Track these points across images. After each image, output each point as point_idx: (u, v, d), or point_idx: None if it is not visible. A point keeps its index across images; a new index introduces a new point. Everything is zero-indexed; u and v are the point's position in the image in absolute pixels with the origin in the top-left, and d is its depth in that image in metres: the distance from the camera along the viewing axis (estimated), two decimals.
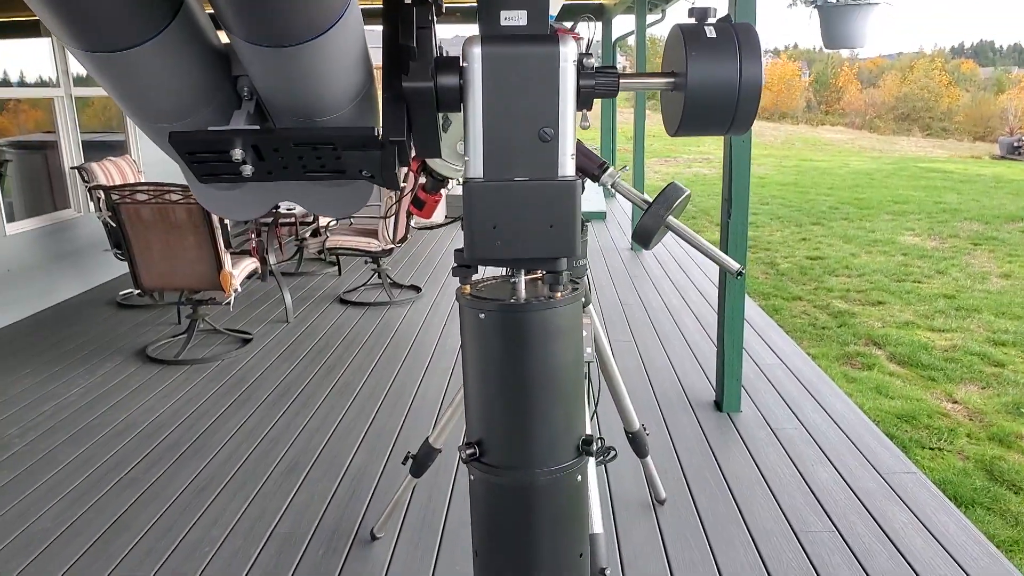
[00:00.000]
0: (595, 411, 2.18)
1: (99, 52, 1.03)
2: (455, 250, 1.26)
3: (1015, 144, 25.48)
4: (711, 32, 1.15)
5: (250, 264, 4.74)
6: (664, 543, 2.70)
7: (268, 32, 1.02)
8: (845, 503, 2.97)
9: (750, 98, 1.14)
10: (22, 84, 6.22)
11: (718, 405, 3.85)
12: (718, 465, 3.26)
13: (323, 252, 5.99)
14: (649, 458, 2.85)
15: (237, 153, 1.07)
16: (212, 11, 1.09)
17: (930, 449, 4.43)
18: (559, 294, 1.22)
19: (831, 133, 35.05)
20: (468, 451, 1.25)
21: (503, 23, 1.13)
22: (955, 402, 5.14)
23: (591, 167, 2.15)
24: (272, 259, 5.07)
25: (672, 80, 1.19)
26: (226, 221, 4.22)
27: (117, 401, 3.94)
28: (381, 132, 1.12)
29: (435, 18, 1.15)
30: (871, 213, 12.86)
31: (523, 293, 1.24)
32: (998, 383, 5.46)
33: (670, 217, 2.01)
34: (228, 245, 4.28)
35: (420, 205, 2.22)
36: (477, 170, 1.15)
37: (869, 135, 34.99)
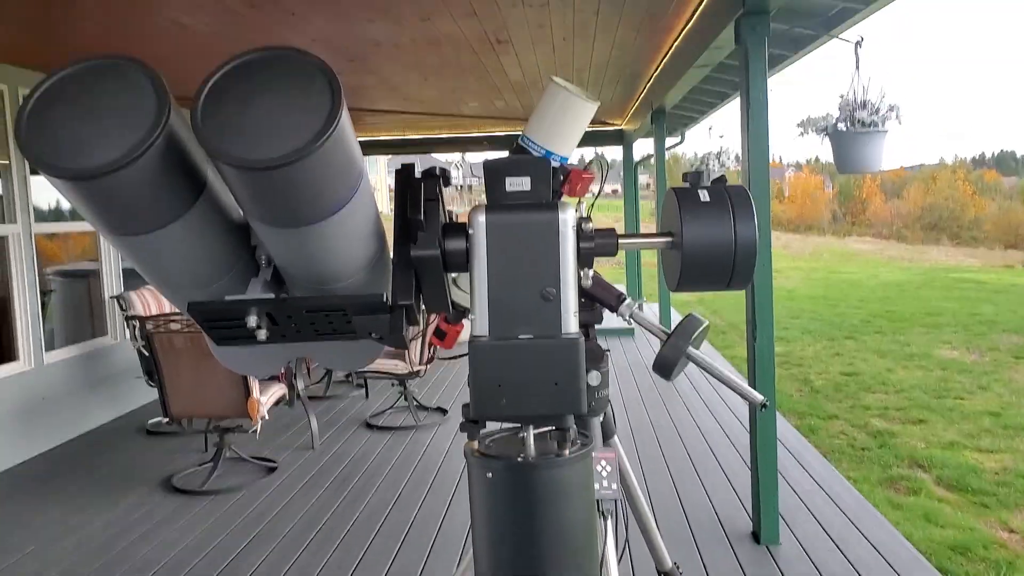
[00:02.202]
0: (622, 554, 2.09)
1: (127, 236, 1.09)
2: (463, 405, 1.27)
3: None
4: (704, 196, 1.21)
5: (278, 390, 4.76)
6: None
7: (280, 216, 1.08)
8: None
9: (746, 257, 1.19)
10: (74, 214, 6.52)
11: (756, 537, 3.69)
12: None
13: (351, 375, 6.01)
14: None
15: (252, 320, 1.13)
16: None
17: None
18: (567, 451, 1.21)
19: (859, 244, 35.13)
20: None
21: (508, 188, 1.20)
22: (1011, 531, 4.87)
23: (609, 299, 2.17)
24: (300, 384, 5.09)
25: (670, 240, 1.25)
26: None
27: (139, 535, 3.89)
28: (389, 296, 1.17)
29: (442, 189, 1.23)
30: (904, 326, 12.68)
31: (532, 450, 1.24)
32: None
33: (690, 348, 2.00)
34: None
35: (442, 336, 2.24)
36: (483, 329, 1.18)
37: (897, 244, 35.00)
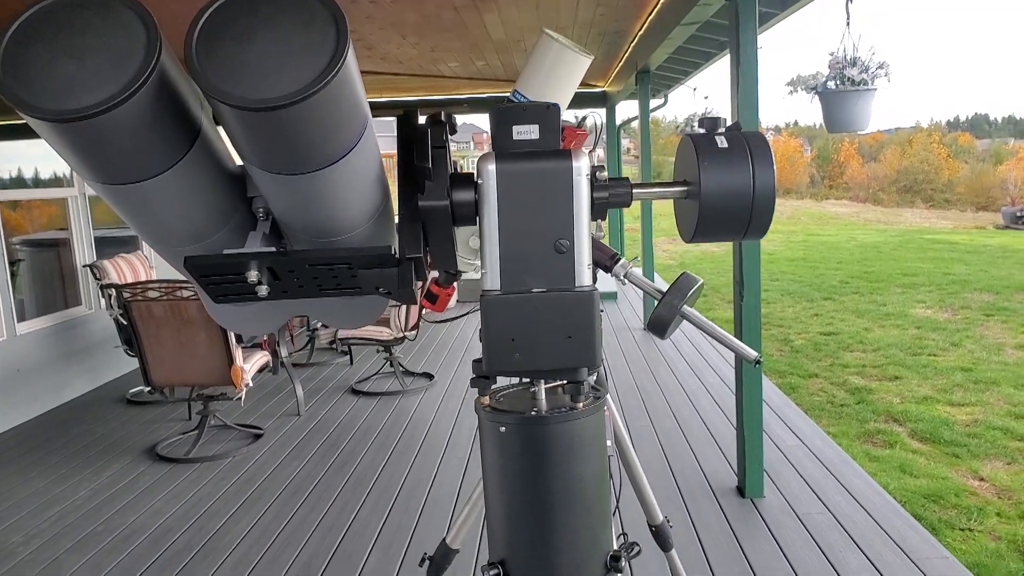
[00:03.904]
0: (616, 507, 2.11)
1: (116, 185, 1.03)
2: (473, 361, 1.24)
3: (1018, 214, 25.65)
4: (722, 142, 1.16)
5: (262, 358, 4.72)
6: None
7: (282, 162, 1.03)
8: None
9: (765, 205, 1.15)
10: (37, 183, 6.36)
11: (741, 491, 3.75)
12: (744, 556, 3.14)
13: (335, 342, 5.98)
14: (674, 551, 2.74)
15: (252, 275, 1.08)
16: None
17: (960, 530, 4.28)
18: (581, 404, 1.19)
19: (836, 207, 35.39)
20: (491, 572, 1.20)
21: (516, 137, 1.15)
22: (982, 479, 4.99)
23: (603, 259, 2.16)
24: (283, 351, 5.05)
25: (685, 189, 1.21)
26: None
27: (125, 504, 3.87)
28: (397, 249, 1.13)
29: (448, 136, 1.18)
30: (881, 287, 12.85)
31: (544, 404, 1.22)
32: None
33: (684, 307, 2.00)
34: (240, 340, 4.28)
35: (433, 299, 2.22)
36: (494, 283, 1.15)
37: (874, 208, 35.34)
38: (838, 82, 3.47)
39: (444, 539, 2.41)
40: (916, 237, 21.77)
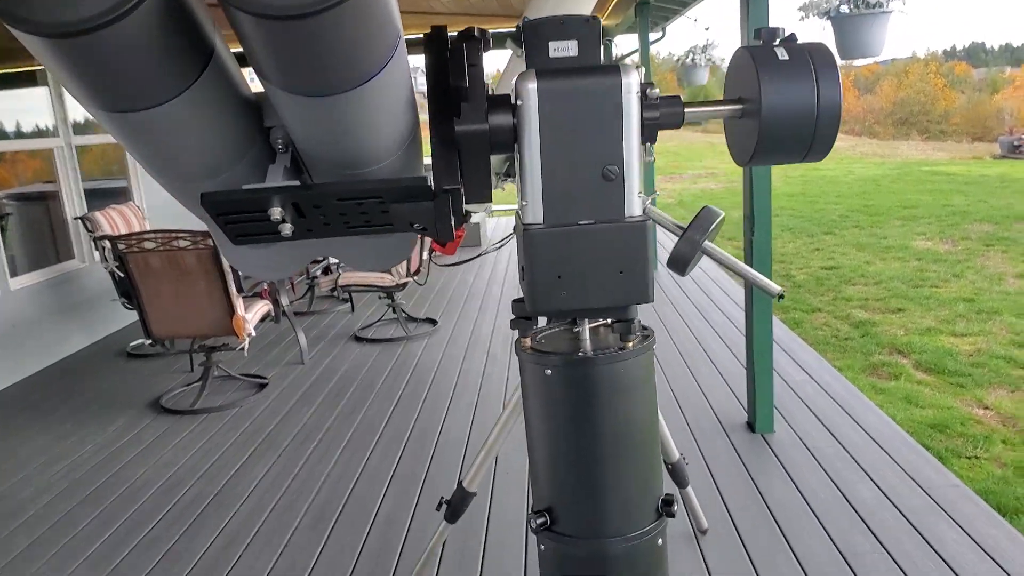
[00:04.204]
0: None
1: (122, 112, 0.94)
2: (513, 301, 1.17)
3: (1015, 143, 25.42)
4: (783, 54, 1.05)
5: (263, 307, 4.66)
6: (710, 575, 2.59)
7: (309, 82, 0.93)
8: (891, 522, 2.85)
9: (830, 122, 1.05)
10: (20, 135, 6.19)
11: (751, 427, 3.74)
12: (758, 490, 3.14)
13: (336, 289, 5.91)
14: (690, 488, 2.74)
15: (276, 212, 0.98)
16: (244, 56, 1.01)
17: (967, 458, 4.30)
18: (631, 343, 1.13)
19: None
20: (538, 520, 1.15)
21: (553, 54, 1.05)
22: (986, 407, 5.01)
23: None
24: (284, 300, 4.99)
25: (740, 107, 1.10)
26: None
27: (133, 456, 3.85)
28: (432, 180, 1.03)
29: (483, 53, 1.07)
30: (881, 220, 12.77)
31: (589, 344, 1.15)
32: None
33: (706, 242, 1.94)
34: (240, 289, 4.21)
35: (443, 243, 2.15)
36: (536, 215, 1.06)
37: (870, 141, 35.02)
38: (852, 5, 3.33)
39: (460, 482, 2.39)
40: (914, 169, 21.60)
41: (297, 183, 1.03)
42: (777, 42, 1.08)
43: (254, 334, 4.45)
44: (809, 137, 1.06)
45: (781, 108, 1.04)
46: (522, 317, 1.17)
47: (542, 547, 1.19)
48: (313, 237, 1.06)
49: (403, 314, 5.84)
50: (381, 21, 0.90)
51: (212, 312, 4.27)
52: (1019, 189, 15.85)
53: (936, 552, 2.66)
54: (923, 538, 2.74)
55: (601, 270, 1.06)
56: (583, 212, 1.06)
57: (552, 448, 1.16)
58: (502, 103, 1.05)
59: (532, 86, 1.02)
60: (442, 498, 2.41)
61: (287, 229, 1.01)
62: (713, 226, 1.96)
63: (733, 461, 3.41)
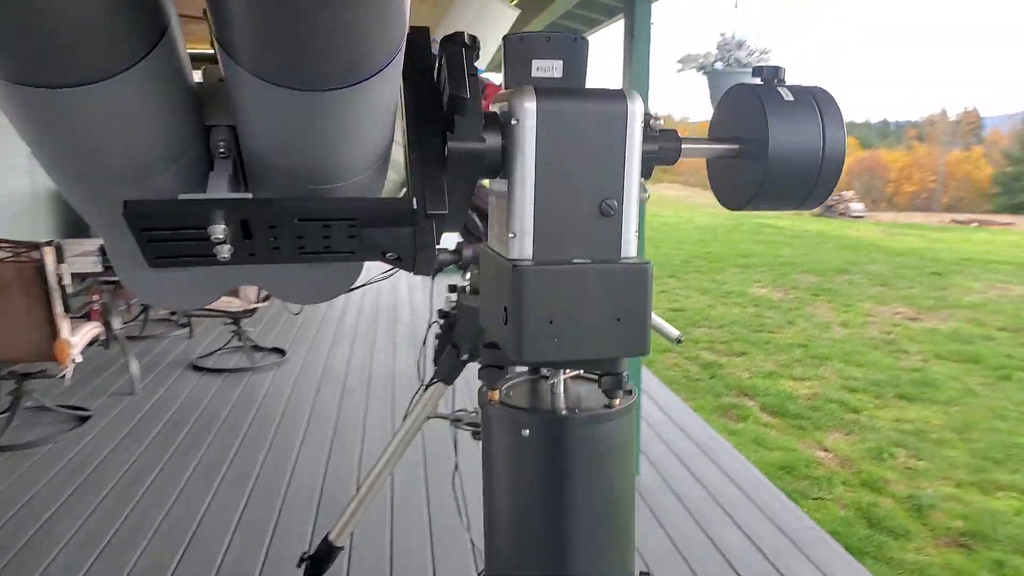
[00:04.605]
0: None
1: (44, 88, 0.71)
2: (484, 345, 1.02)
3: (829, 204, 28.10)
4: (787, 95, 0.99)
5: (92, 329, 4.14)
6: None
7: (302, 70, 0.73)
8: (758, 567, 2.89)
9: (833, 168, 0.99)
10: None
11: None
12: None
13: (174, 312, 5.41)
14: None
15: (218, 230, 0.77)
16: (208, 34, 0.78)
17: (813, 499, 4.49)
18: (618, 401, 1.00)
19: (669, 190, 37.23)
20: None
21: (535, 74, 0.93)
22: (826, 450, 5.30)
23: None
24: (117, 323, 4.48)
25: (737, 147, 1.03)
26: (65, 280, 3.65)
27: None
28: (416, 203, 0.87)
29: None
30: (720, 266, 13.55)
31: (567, 400, 1.02)
32: (859, 429, 5.72)
33: None
34: (67, 309, 3.71)
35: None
36: (524, 250, 0.92)
37: (703, 191, 37.47)
38: (726, 63, 3.44)
39: (327, 536, 2.15)
40: (747, 221, 23.24)
41: (249, 196, 0.81)
42: (776, 82, 1.01)
43: (79, 359, 3.93)
44: (812, 181, 1.00)
45: (788, 150, 0.97)
46: (494, 366, 1.02)
47: None
48: (255, 263, 0.84)
49: (249, 342, 5.42)
50: (397, 6, 0.75)
51: (31, 334, 3.72)
52: (836, 244, 17.42)
53: None
54: None
55: (597, 316, 0.94)
56: (577, 249, 0.94)
57: (520, 517, 1.01)
58: (491, 121, 0.91)
59: (531, 105, 0.89)
60: (303, 553, 2.16)
61: (225, 252, 0.79)
62: None
63: None
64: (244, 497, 3.32)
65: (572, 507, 0.98)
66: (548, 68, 0.94)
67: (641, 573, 1.06)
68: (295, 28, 0.68)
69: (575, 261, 0.93)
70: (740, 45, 3.46)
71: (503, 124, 0.91)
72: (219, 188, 0.85)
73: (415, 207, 0.83)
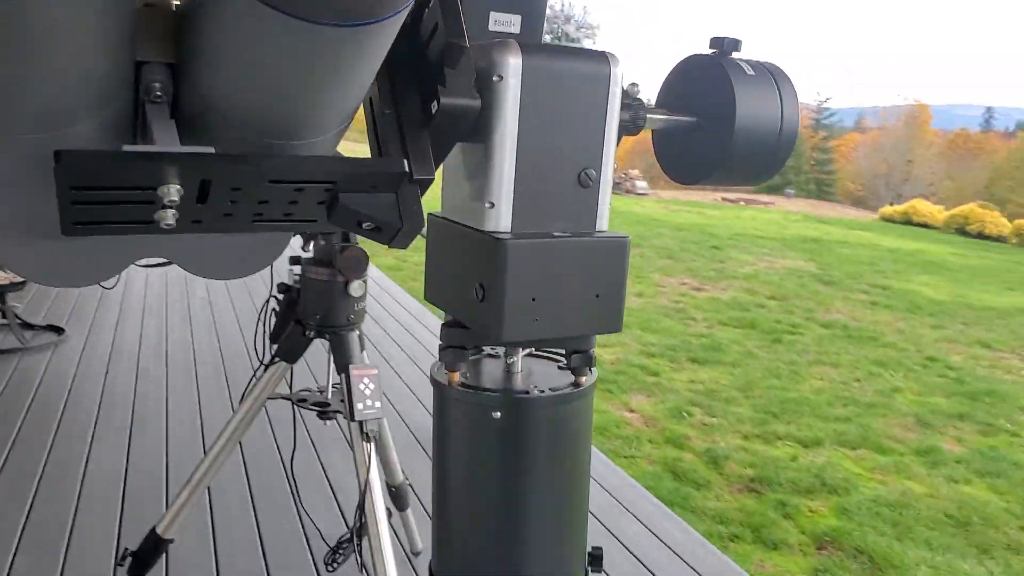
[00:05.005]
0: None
1: None
2: (443, 325, 0.94)
3: (616, 180, 29.89)
4: (748, 68, 0.97)
5: None
6: None
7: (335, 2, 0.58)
8: (589, 524, 2.99)
9: (788, 144, 0.99)
10: None
11: None
12: None
13: None
14: (409, 510, 2.57)
15: (172, 191, 0.61)
16: None
17: (625, 458, 4.75)
18: (584, 379, 0.97)
19: None
20: None
21: (492, 27, 0.86)
22: (632, 411, 5.63)
23: None
24: None
25: (695, 119, 1.00)
26: None
27: None
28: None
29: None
30: None
31: (523, 378, 0.99)
32: (659, 391, 6.13)
33: None
34: None
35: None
36: (502, 222, 0.85)
37: None
38: (555, 36, 3.48)
39: (154, 528, 1.92)
40: None
41: (212, 151, 0.63)
42: (737, 55, 0.99)
43: None
44: (769, 157, 0.98)
45: (752, 125, 0.95)
46: (456, 346, 0.93)
47: None
48: (198, 231, 0.67)
49: (16, 319, 4.75)
50: None
51: None
52: (624, 220, 18.53)
53: (625, 547, 2.85)
54: (613, 535, 2.91)
55: (578, 292, 0.89)
56: (556, 222, 0.88)
57: (480, 499, 0.95)
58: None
59: (516, 61, 0.80)
60: (126, 549, 1.92)
61: (169, 217, 0.63)
62: None
63: (429, 473, 3.31)
64: (30, 496, 2.89)
65: (543, 485, 0.94)
66: (507, 23, 0.87)
67: (592, 548, 1.03)
68: None
69: (555, 234, 0.87)
70: (568, 19, 3.51)
71: (482, 81, 0.81)
72: (169, 140, 0.67)
73: (409, 170, 0.72)
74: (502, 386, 0.97)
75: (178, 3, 0.70)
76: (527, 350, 1.03)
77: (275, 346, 2.05)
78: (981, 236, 23.37)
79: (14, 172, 0.69)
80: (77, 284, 1.04)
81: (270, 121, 0.73)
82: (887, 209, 29.15)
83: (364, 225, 0.71)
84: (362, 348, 1.98)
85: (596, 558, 1.04)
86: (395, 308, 6.20)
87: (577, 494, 0.99)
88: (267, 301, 2.11)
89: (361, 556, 2.27)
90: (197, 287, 6.29)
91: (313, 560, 2.59)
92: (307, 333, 1.98)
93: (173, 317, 5.47)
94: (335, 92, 0.71)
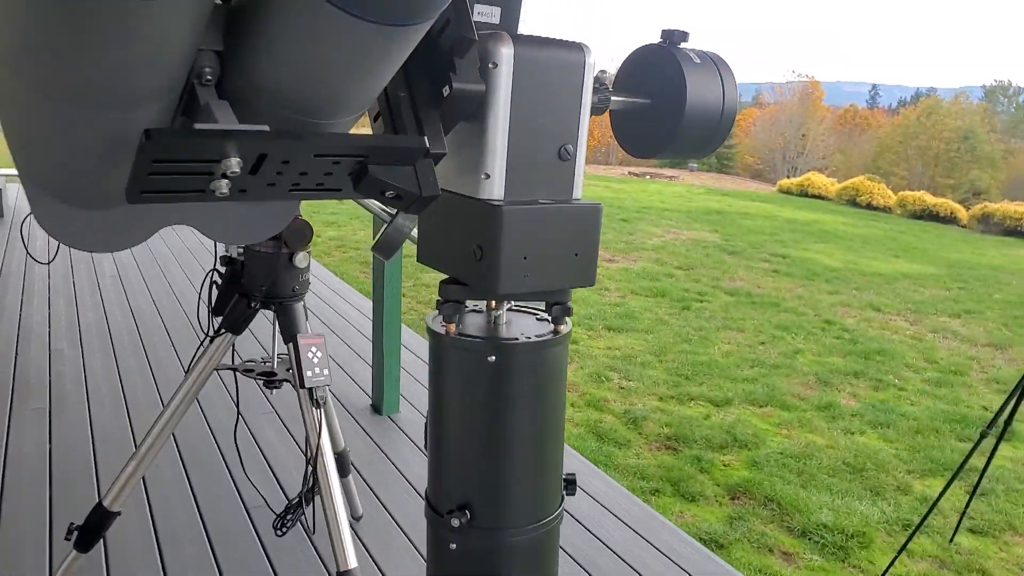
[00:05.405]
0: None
1: None
2: (442, 283, 1.07)
3: None
4: (695, 57, 1.13)
5: None
6: (373, 559, 2.51)
7: (395, 4, 0.68)
8: None
9: (728, 123, 1.15)
10: None
11: (376, 408, 3.75)
12: (395, 467, 3.17)
13: None
14: (350, 476, 2.62)
15: (234, 163, 0.68)
16: None
17: None
18: (562, 327, 1.11)
19: None
20: (461, 517, 1.05)
21: (476, 19, 0.97)
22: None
23: None
24: None
25: (648, 102, 1.15)
26: None
27: None
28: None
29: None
30: None
31: (508, 328, 1.11)
32: (579, 357, 6.33)
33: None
34: None
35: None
36: (496, 191, 0.98)
37: None
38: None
39: (100, 502, 1.91)
40: None
41: (267, 128, 0.72)
42: (681, 45, 1.14)
43: None
44: (713, 132, 1.14)
45: (700, 105, 1.10)
46: (455, 300, 1.06)
47: (453, 546, 1.08)
48: (244, 199, 0.75)
49: None
50: None
51: None
52: None
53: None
54: None
55: (560, 252, 1.03)
56: (540, 191, 1.02)
57: (484, 438, 1.08)
58: None
59: (508, 51, 0.94)
60: (71, 524, 1.90)
61: (224, 187, 0.71)
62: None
63: (366, 443, 3.37)
64: None
65: (532, 422, 1.08)
66: (489, 14, 1.00)
67: (566, 475, 1.16)
68: None
69: (540, 201, 1.01)
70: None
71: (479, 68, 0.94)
72: (228, 118, 0.75)
73: (427, 146, 0.83)
74: (493, 334, 1.08)
75: None
76: (510, 304, 1.14)
77: (219, 318, 2.06)
78: (870, 207, 24.79)
79: (81, 146, 0.75)
80: (110, 249, 1.10)
81: (310, 103, 0.82)
82: (784, 182, 30.45)
83: (387, 193, 0.81)
84: (305, 318, 2.02)
85: (570, 482, 1.18)
86: (314, 283, 6.15)
87: (555, 426, 1.12)
88: (208, 273, 2.11)
89: (307, 520, 2.33)
90: (106, 266, 6.07)
91: (254, 528, 2.61)
92: (252, 305, 2.00)
93: (83, 297, 5.27)
94: (372, 80, 0.80)
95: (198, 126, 0.72)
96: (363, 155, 0.77)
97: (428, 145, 0.83)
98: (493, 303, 1.12)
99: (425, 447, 1.16)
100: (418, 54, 0.86)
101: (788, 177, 33.39)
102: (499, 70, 0.94)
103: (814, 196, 26.76)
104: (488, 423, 1.06)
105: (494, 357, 1.04)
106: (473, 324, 1.11)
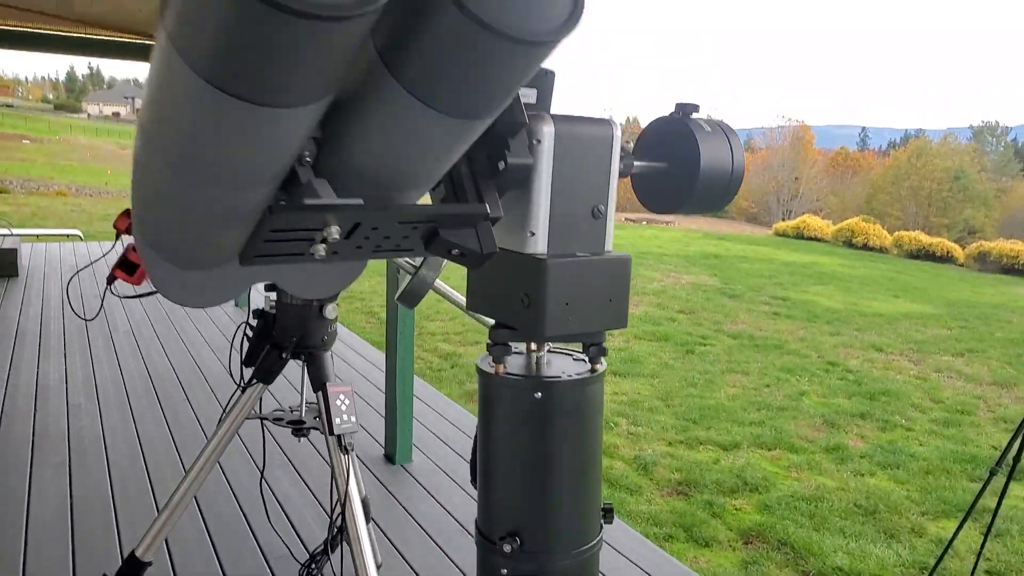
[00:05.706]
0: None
1: (262, 105, 0.72)
2: (491, 328, 1.20)
3: None
4: (706, 126, 1.28)
5: None
6: None
7: (472, 102, 0.82)
8: None
9: (738, 181, 1.30)
10: None
11: (390, 458, 3.78)
12: (408, 513, 3.21)
13: None
14: (371, 523, 2.65)
15: (334, 231, 0.84)
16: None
17: None
18: (599, 366, 1.23)
19: None
20: (513, 543, 1.15)
21: None
22: None
23: None
24: None
25: (665, 165, 1.30)
26: None
27: None
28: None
29: None
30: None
31: (551, 367, 1.23)
32: None
33: (438, 281, 2.06)
34: None
35: (132, 270, 1.81)
36: (540, 246, 1.13)
37: None
38: None
39: (133, 552, 1.96)
40: None
41: (360, 202, 0.89)
42: (693, 116, 1.30)
43: None
44: (724, 191, 1.29)
45: (712, 167, 1.26)
46: (502, 343, 1.20)
47: (504, 572, 1.19)
48: (336, 260, 0.91)
49: None
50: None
51: None
52: None
53: None
54: None
55: (597, 298, 1.16)
56: (577, 245, 1.16)
57: (530, 469, 1.19)
58: None
59: (549, 129, 1.10)
60: (104, 574, 1.94)
61: (322, 251, 0.86)
62: (443, 264, 2.03)
63: (380, 492, 3.40)
64: None
65: (577, 453, 1.20)
66: (527, 95, 1.13)
67: (604, 504, 1.24)
68: (497, 78, 0.77)
69: (578, 254, 1.15)
70: None
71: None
72: (328, 194, 0.88)
73: (487, 212, 0.99)
74: (537, 373, 1.21)
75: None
76: (549, 345, 1.27)
77: (249, 369, 2.13)
78: (866, 247, 25.02)
79: (199, 215, 0.85)
80: (212, 303, 1.22)
81: (392, 180, 0.95)
82: (780, 224, 30.76)
83: (454, 252, 0.92)
84: (332, 366, 2.09)
85: (608, 511, 1.28)
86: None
87: (594, 458, 1.22)
88: (240, 327, 2.19)
89: (333, 566, 2.36)
90: (119, 322, 6.14)
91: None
92: (283, 355, 2.07)
93: (98, 352, 5.33)
94: (443, 162, 0.95)
95: (308, 202, 0.82)
96: (435, 221, 0.88)
97: (488, 211, 0.93)
98: (534, 345, 1.21)
99: (473, 482, 1.25)
100: (488, 135, 1.00)
101: (783, 220, 33.71)
102: (542, 146, 1.09)
103: (810, 238, 27.01)
104: (534, 454, 1.17)
105: (540, 394, 1.15)
106: (517, 364, 1.22)
